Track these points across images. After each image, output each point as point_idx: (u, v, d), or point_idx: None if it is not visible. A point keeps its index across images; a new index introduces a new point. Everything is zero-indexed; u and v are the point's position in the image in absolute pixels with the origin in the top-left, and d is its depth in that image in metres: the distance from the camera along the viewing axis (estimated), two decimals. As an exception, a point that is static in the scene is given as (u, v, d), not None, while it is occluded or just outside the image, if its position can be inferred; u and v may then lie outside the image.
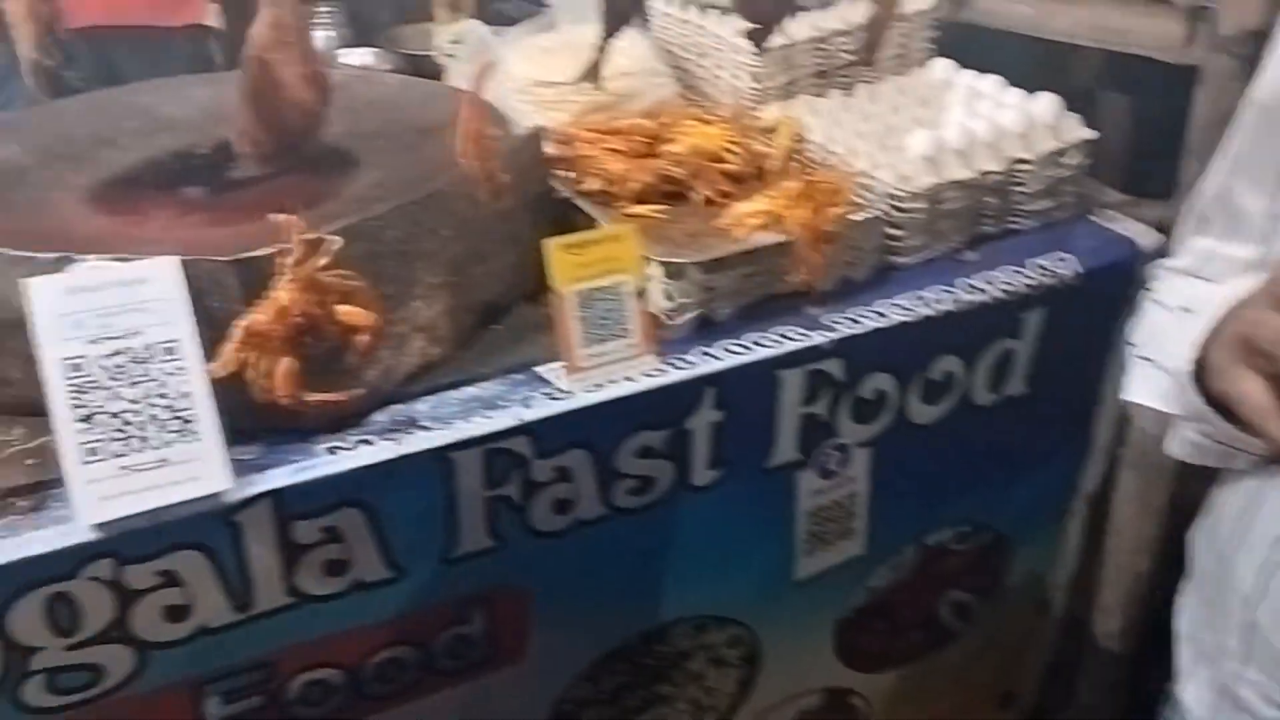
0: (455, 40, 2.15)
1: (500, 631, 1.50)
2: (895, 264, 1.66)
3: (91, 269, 1.21)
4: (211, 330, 1.23)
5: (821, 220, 1.51)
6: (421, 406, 1.38)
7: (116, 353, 1.18)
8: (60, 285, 1.18)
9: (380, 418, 1.36)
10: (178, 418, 1.19)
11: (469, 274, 1.49)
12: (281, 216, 1.11)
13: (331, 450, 1.29)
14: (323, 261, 1.12)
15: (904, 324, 1.58)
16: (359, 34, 3.24)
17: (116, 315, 1.19)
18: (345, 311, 1.13)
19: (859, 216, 1.58)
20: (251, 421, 1.26)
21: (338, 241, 1.16)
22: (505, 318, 1.57)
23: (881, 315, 1.57)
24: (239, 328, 1.09)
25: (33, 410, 1.33)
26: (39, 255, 1.26)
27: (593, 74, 1.52)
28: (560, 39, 2.02)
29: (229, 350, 1.09)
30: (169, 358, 1.20)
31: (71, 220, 1.50)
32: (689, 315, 1.52)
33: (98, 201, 1.56)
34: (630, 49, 1.98)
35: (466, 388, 1.42)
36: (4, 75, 3.49)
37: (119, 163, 1.68)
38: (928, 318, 1.59)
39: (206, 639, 1.27)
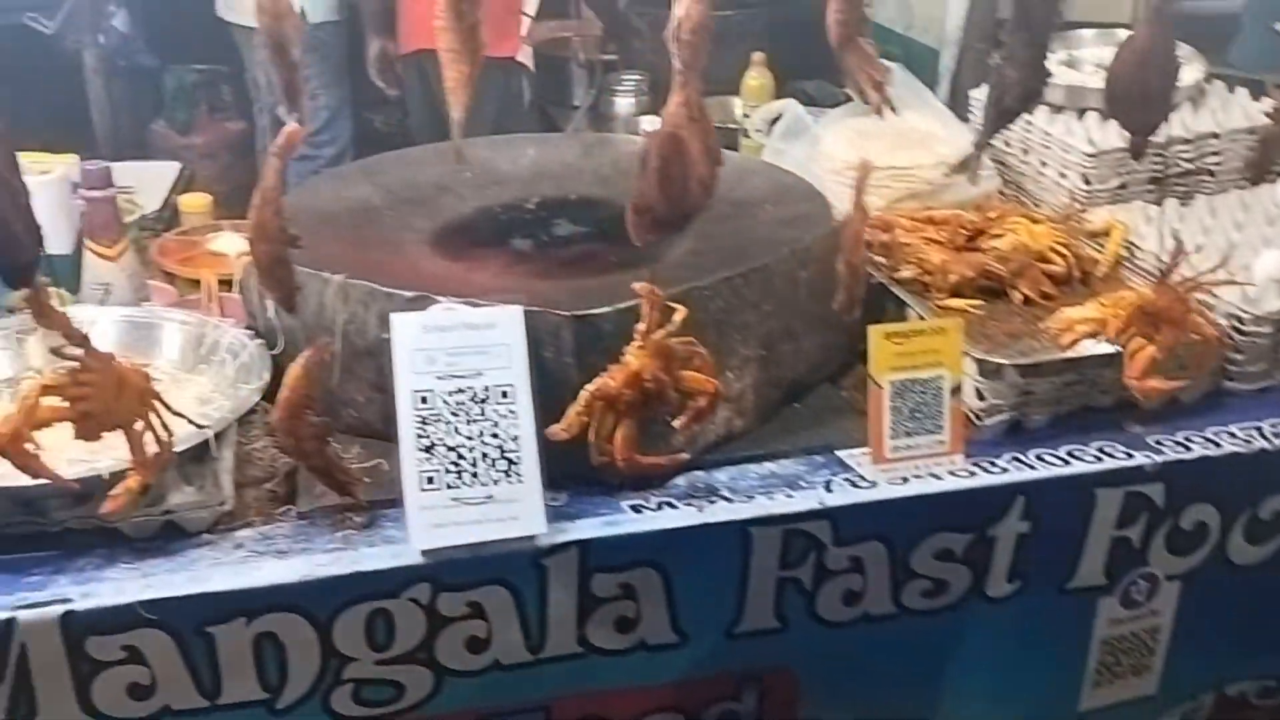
0: (769, 118, 2.18)
1: (768, 713, 1.47)
2: (1230, 389, 1.54)
3: (445, 310, 1.30)
4: (540, 378, 1.29)
5: (1156, 336, 1.42)
6: (721, 476, 1.39)
7: (459, 390, 1.25)
8: (419, 323, 1.27)
9: (680, 482, 1.37)
10: (506, 458, 1.25)
11: (779, 350, 1.49)
12: (640, 285, 1.15)
13: (635, 509, 1.32)
14: (672, 328, 1.15)
15: (1236, 454, 1.46)
16: (659, 101, 3.37)
17: (463, 355, 1.27)
18: (689, 378, 1.16)
19: (1196, 336, 1.48)
20: (562, 469, 1.31)
21: (683, 310, 1.19)
22: (807, 396, 1.56)
23: (1213, 443, 1.46)
24: (588, 392, 1.13)
25: (370, 432, 1.44)
26: (398, 292, 1.36)
27: (968, 169, 1.50)
28: (879, 123, 2.01)
29: (573, 415, 1.13)
30: (504, 401, 1.26)
31: (417, 260, 1.61)
32: (1001, 418, 1.47)
33: (439, 245, 1.67)
34: (951, 139, 1.95)
35: (766, 463, 1.42)
36: (333, 116, 3.84)
37: (457, 210, 1.80)
38: (1263, 451, 1.47)
39: (497, 674, 1.31)
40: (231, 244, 1.92)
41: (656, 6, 3.51)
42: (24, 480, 1.14)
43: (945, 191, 1.92)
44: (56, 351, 1.08)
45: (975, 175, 1.53)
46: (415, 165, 1.93)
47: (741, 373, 1.44)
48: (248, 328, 1.51)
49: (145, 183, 2.47)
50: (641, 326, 1.14)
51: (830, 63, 3.67)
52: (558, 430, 1.16)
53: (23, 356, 1.44)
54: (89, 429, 1.11)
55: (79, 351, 1.08)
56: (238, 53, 3.80)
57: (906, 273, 1.65)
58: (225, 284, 1.77)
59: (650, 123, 3.21)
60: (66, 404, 1.10)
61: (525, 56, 3.29)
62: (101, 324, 1.48)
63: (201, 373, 1.47)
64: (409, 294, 1.35)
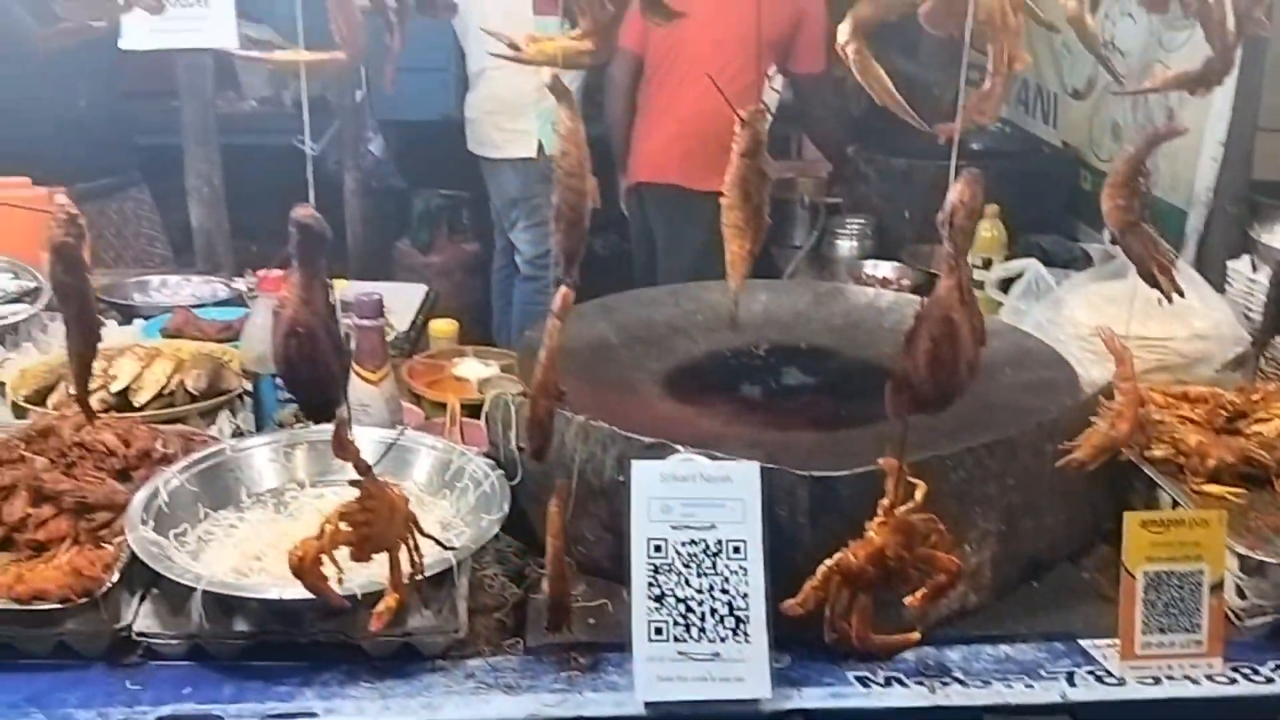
0: (1007, 275, 2.15)
1: None
2: None
3: (684, 460, 1.32)
4: (772, 536, 1.28)
5: None
6: (953, 654, 1.33)
7: (693, 542, 1.26)
8: (658, 471, 1.29)
9: (909, 656, 1.32)
10: (735, 616, 1.24)
11: (1020, 525, 1.43)
12: (886, 461, 1.13)
13: (862, 681, 1.28)
14: (915, 505, 1.13)
15: None
16: (882, 247, 3.38)
17: (699, 507, 1.28)
18: (929, 555, 1.13)
19: None
20: (785, 628, 1.28)
21: (925, 487, 1.17)
22: (1046, 575, 1.49)
23: None
24: (827, 567, 1.12)
25: (597, 571, 1.46)
26: (637, 437, 1.39)
27: (1243, 366, 1.44)
28: (1126, 288, 1.95)
29: (810, 590, 1.12)
30: (736, 556, 1.26)
31: (651, 401, 1.65)
32: (1265, 619, 1.35)
33: (672, 387, 1.71)
34: (1206, 310, 1.87)
35: (1002, 645, 1.36)
36: None
37: (689, 352, 1.84)
38: None
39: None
40: (473, 370, 2.03)
41: (884, 153, 3.56)
42: (288, 593, 1.22)
43: (1200, 366, 1.82)
44: (354, 483, 1.15)
45: (1252, 373, 1.45)
46: (650, 305, 2.00)
47: (979, 547, 1.39)
48: (489, 456, 1.57)
49: (395, 303, 2.66)
50: (885, 501, 1.12)
51: (1067, 218, 3.59)
52: (793, 605, 1.14)
53: (289, 469, 1.54)
54: (364, 551, 1.18)
55: (364, 481, 1.15)
56: (480, 181, 4.06)
57: (1159, 452, 1.57)
58: (466, 409, 1.86)
59: (873, 267, 3.22)
60: (350, 529, 1.16)
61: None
62: (361, 445, 1.58)
63: (444, 497, 1.54)
64: (647, 440, 1.38)
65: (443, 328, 2.16)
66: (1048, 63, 3.66)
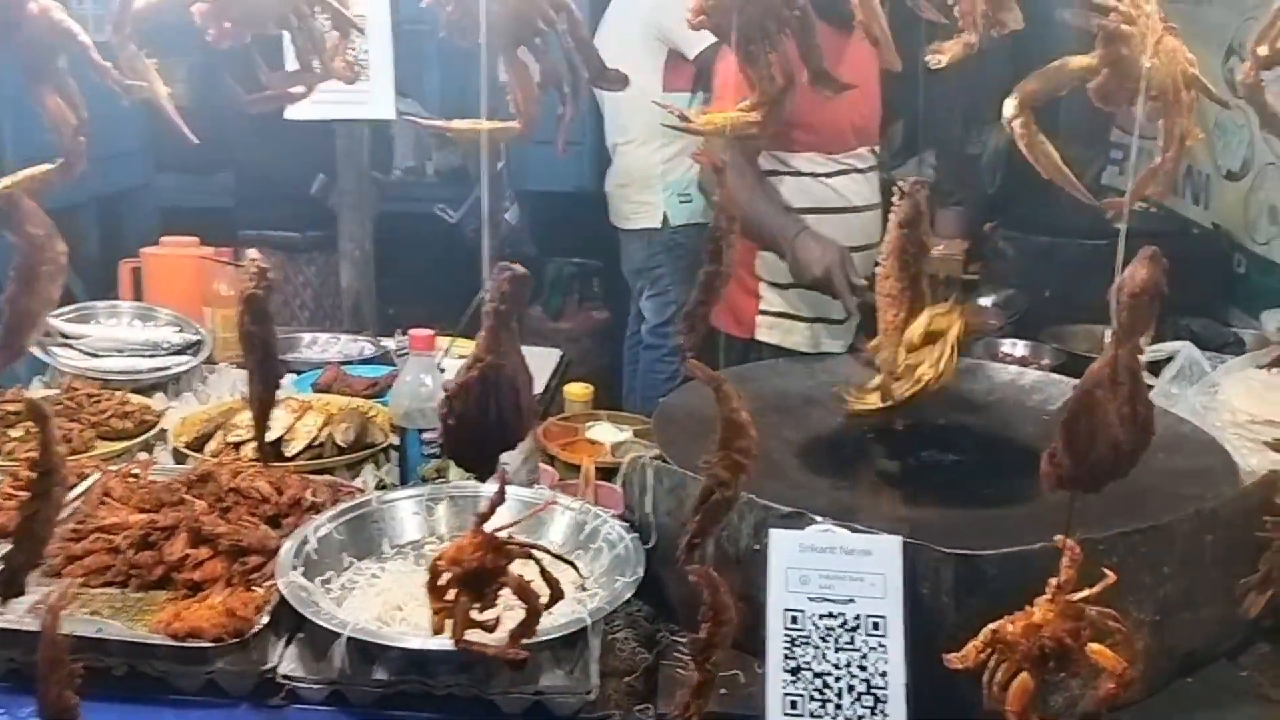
0: (1158, 358, 2.07)
1: None
2: None
3: (823, 531, 1.30)
4: (914, 614, 1.25)
5: None
6: (1102, 750, 1.27)
7: (830, 615, 1.24)
8: (796, 541, 1.28)
9: (1054, 748, 1.27)
10: (873, 693, 1.21)
11: (1176, 618, 1.37)
12: (1062, 539, 1.10)
13: (1001, 770, 1.22)
14: (1093, 593, 1.09)
15: None
16: (1020, 326, 3.30)
17: (837, 580, 1.26)
18: (1097, 651, 1.08)
19: None
20: (923, 710, 1.24)
21: (1114, 578, 1.12)
22: (1201, 672, 1.41)
23: None
24: (991, 630, 1.09)
25: (731, 644, 1.45)
26: (775, 505, 1.38)
27: None
28: (1287, 375, 1.86)
29: (973, 649, 1.09)
30: (875, 633, 1.23)
31: (787, 471, 1.64)
32: None
33: (808, 458, 1.70)
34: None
35: (1155, 743, 1.29)
36: (680, 309, 4.07)
37: (825, 424, 1.83)
38: None
39: None
40: (607, 434, 2.05)
41: (1024, 230, 3.50)
42: (429, 644, 1.24)
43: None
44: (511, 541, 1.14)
45: None
46: (785, 375, 2.00)
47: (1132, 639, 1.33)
48: (624, 519, 1.58)
49: (538, 366, 2.72)
50: (1056, 580, 1.09)
51: (1218, 302, 3.46)
52: (954, 659, 1.10)
53: (430, 522, 1.58)
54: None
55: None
56: (615, 251, 4.14)
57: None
58: (599, 472, 1.88)
59: (1011, 346, 3.15)
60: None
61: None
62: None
63: (579, 558, 1.55)
64: (785, 509, 1.37)
65: (578, 391, 2.19)
66: (1200, 143, 3.56)
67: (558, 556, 1.20)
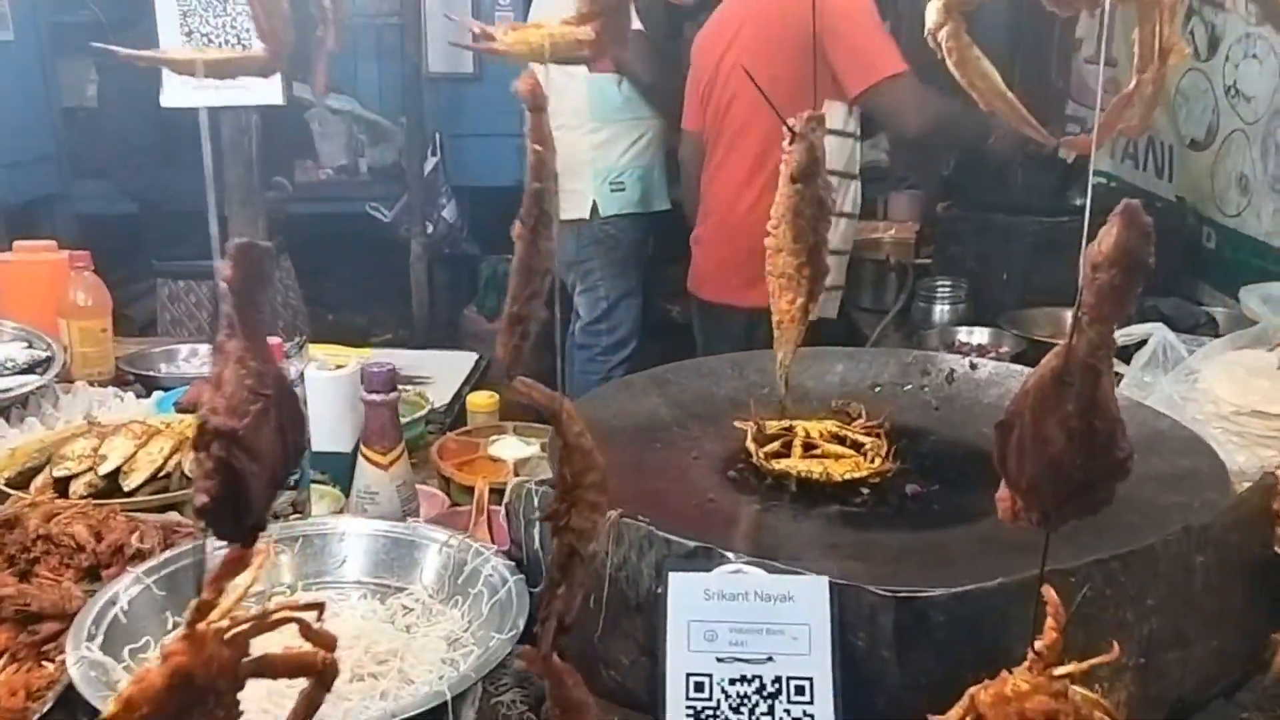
0: (1127, 343, 1.85)
1: None
2: None
3: (733, 573, 1.06)
4: (846, 673, 1.01)
5: None
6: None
7: (743, 679, 1.00)
8: (700, 586, 1.04)
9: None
10: (797, 779, 0.97)
11: (1163, 659, 1.13)
12: (1049, 594, 0.85)
13: None
14: (1074, 668, 0.85)
15: None
16: (978, 312, 3.09)
17: (751, 634, 1.02)
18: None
19: None
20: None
21: (1114, 652, 0.87)
22: (1196, 717, 1.18)
23: None
24: (968, 695, 0.84)
25: (633, 703, 1.19)
26: (678, 539, 1.14)
27: None
28: (1274, 358, 1.64)
29: (956, 714, 0.84)
30: (799, 699, 0.99)
31: (704, 491, 1.39)
32: None
33: (729, 475, 1.45)
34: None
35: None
36: (611, 306, 3.78)
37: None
38: None
39: None
40: (511, 449, 1.80)
41: (978, 209, 3.28)
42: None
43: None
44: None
45: None
46: (710, 377, 1.75)
47: (1112, 686, 1.09)
48: (511, 556, 1.33)
49: (444, 373, 2.46)
50: (1040, 645, 0.84)
51: (1187, 279, 3.25)
52: None
53: (274, 570, 1.33)
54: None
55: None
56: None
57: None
58: (499, 494, 1.63)
59: (968, 334, 2.93)
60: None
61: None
62: (361, 539, 1.36)
63: (457, 605, 1.30)
64: (690, 543, 1.12)
65: (480, 400, 1.94)
66: (1160, 111, 3.36)
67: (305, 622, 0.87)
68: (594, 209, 3.39)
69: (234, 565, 0.73)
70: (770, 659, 1.01)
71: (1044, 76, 4.12)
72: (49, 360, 2.01)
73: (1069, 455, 0.75)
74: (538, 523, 1.29)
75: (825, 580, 1.02)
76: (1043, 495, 0.77)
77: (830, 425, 1.56)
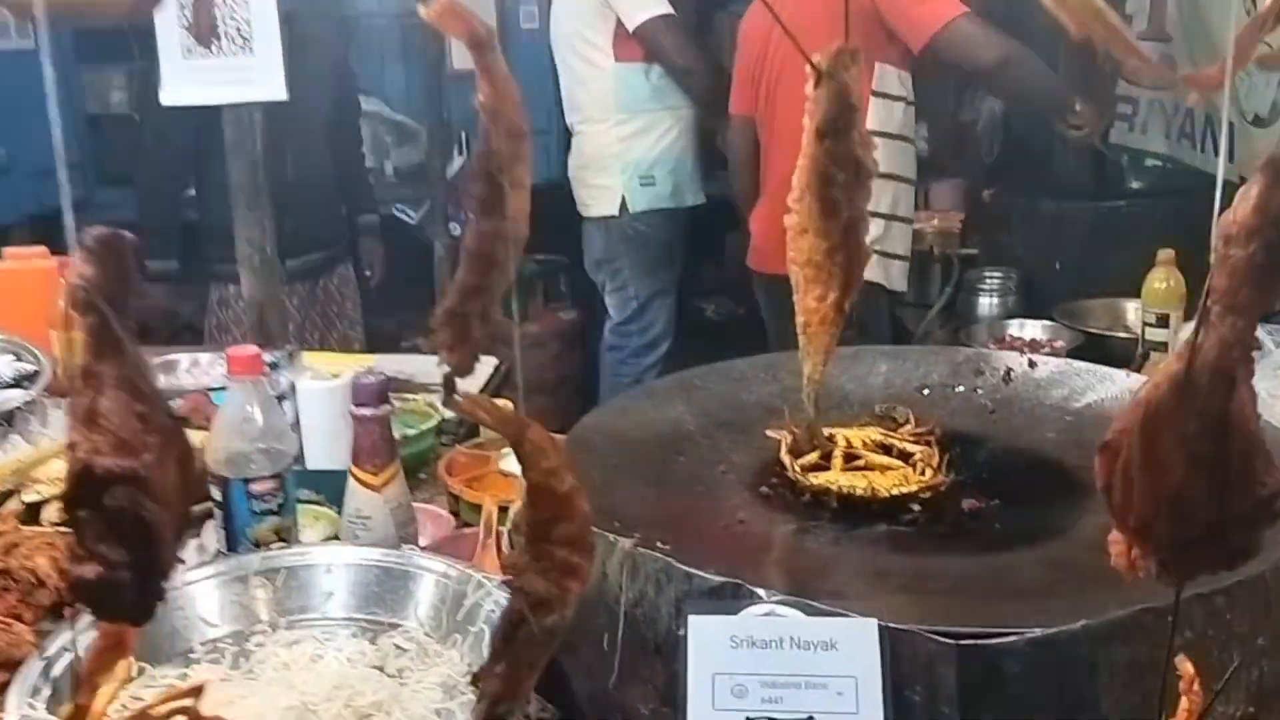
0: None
1: None
2: None
3: (765, 617, 0.90)
4: (901, 730, 0.86)
5: None
6: None
7: (778, 743, 0.84)
8: (726, 631, 0.88)
9: None
10: None
11: (1275, 708, 0.96)
12: (1181, 667, 0.68)
13: None
14: None
15: None
16: (1029, 304, 2.91)
17: (788, 689, 0.86)
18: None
19: None
20: None
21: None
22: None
23: None
24: None
25: (651, 761, 1.05)
26: (700, 574, 0.98)
27: None
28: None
29: None
30: (845, 767, 0.83)
31: (733, 513, 1.24)
32: None
33: (762, 493, 1.29)
34: None
35: None
36: (642, 306, 3.61)
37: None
38: None
39: None
40: (525, 463, 1.65)
41: (1028, 195, 3.09)
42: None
43: None
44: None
45: None
46: (740, 382, 1.59)
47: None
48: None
49: (465, 378, 2.32)
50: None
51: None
52: None
53: (257, 608, 1.19)
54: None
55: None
56: (579, 244, 3.75)
57: None
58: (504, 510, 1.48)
59: (1019, 328, 2.74)
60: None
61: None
62: (350, 570, 1.22)
63: (454, 644, 1.16)
64: (715, 578, 0.97)
65: (493, 410, 1.78)
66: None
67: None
68: (623, 205, 3.24)
69: (108, 653, 0.59)
70: (810, 719, 0.85)
71: (1090, 56, 3.93)
72: (37, 374, 1.89)
73: (1192, 487, 0.59)
74: (544, 551, 1.14)
75: (874, 623, 0.86)
76: (1158, 538, 0.61)
77: (874, 433, 1.40)
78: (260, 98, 2.38)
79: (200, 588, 1.19)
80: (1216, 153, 3.19)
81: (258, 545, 1.26)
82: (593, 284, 3.57)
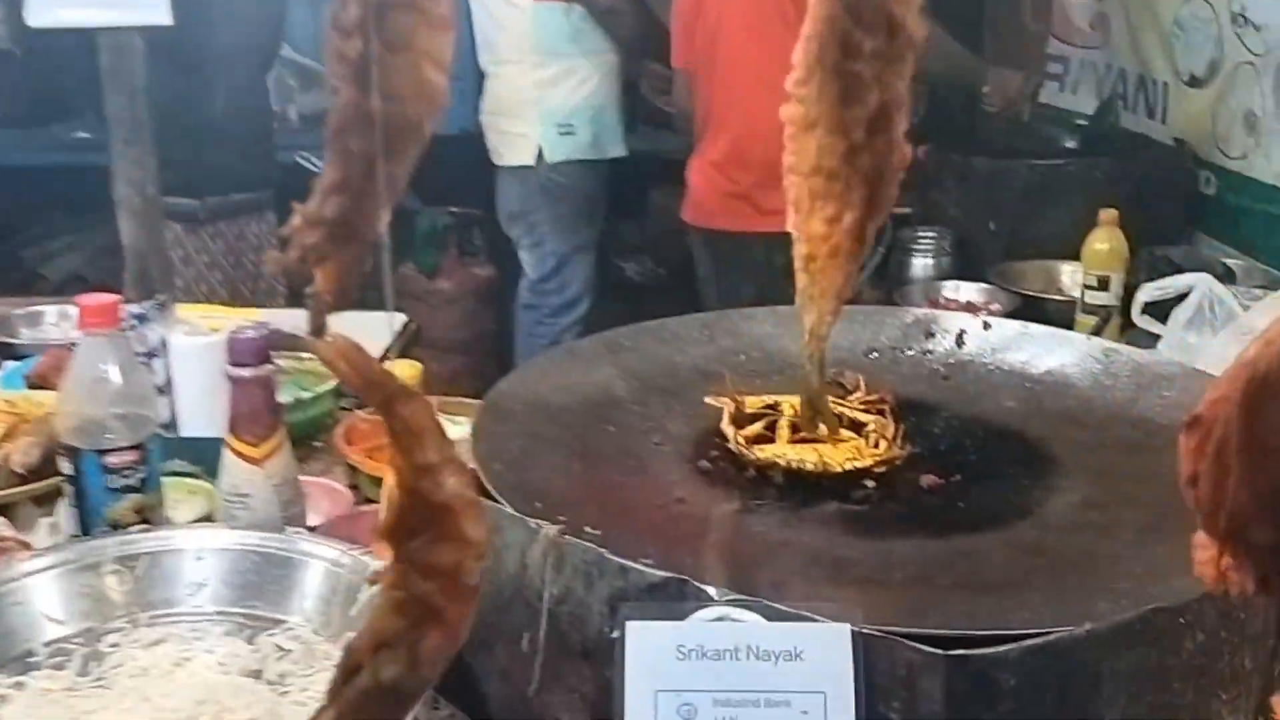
0: (1160, 296, 1.57)
1: None
2: None
3: (714, 620, 0.76)
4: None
5: None
6: None
7: (733, 773, 0.71)
8: (671, 641, 0.74)
9: None
10: None
11: (1284, 712, 0.86)
12: None
13: None
14: None
15: None
16: (963, 265, 2.82)
17: (745, 708, 0.72)
18: None
19: None
20: None
21: None
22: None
23: None
24: None
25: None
26: (636, 567, 0.83)
27: None
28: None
29: None
30: (812, 801, 0.70)
31: (669, 493, 1.09)
32: None
33: (702, 469, 1.15)
34: None
35: None
36: (561, 263, 3.42)
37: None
38: None
39: None
40: (434, 430, 1.48)
41: (961, 153, 2.99)
42: None
43: None
44: None
45: None
46: (674, 342, 1.44)
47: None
48: (420, 578, 1.02)
49: (362, 337, 2.13)
50: None
51: (1183, 228, 2.99)
52: None
53: (110, 602, 1.01)
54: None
55: None
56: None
57: None
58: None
59: (954, 289, 2.65)
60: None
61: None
62: (225, 557, 1.05)
63: (348, 640, 0.99)
64: (657, 574, 0.82)
65: (400, 371, 1.61)
66: (1154, 46, 3.09)
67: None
68: (540, 155, 3.05)
69: None
70: (770, 742, 0.71)
71: (1018, 16, 3.85)
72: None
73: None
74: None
75: (848, 629, 0.73)
76: (1257, 543, 0.48)
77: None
78: (140, 21, 2.13)
79: (43, 578, 1.00)
80: (1150, 114, 3.14)
81: (115, 527, 1.08)
82: (509, 238, 3.39)
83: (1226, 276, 2.29)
